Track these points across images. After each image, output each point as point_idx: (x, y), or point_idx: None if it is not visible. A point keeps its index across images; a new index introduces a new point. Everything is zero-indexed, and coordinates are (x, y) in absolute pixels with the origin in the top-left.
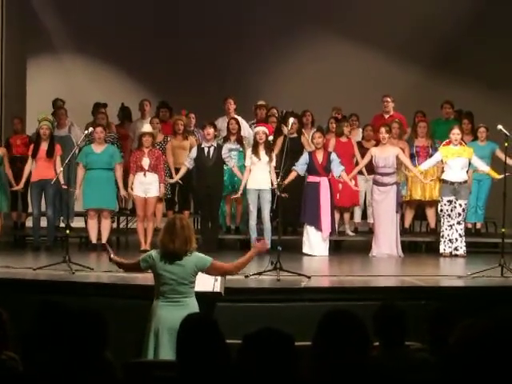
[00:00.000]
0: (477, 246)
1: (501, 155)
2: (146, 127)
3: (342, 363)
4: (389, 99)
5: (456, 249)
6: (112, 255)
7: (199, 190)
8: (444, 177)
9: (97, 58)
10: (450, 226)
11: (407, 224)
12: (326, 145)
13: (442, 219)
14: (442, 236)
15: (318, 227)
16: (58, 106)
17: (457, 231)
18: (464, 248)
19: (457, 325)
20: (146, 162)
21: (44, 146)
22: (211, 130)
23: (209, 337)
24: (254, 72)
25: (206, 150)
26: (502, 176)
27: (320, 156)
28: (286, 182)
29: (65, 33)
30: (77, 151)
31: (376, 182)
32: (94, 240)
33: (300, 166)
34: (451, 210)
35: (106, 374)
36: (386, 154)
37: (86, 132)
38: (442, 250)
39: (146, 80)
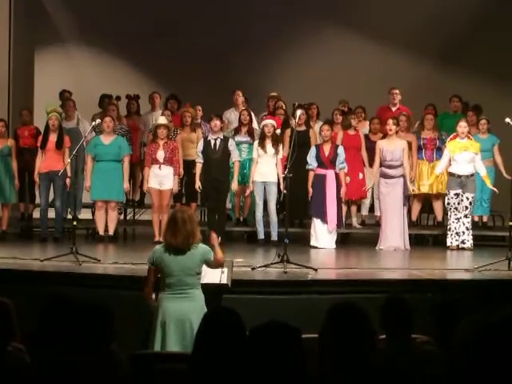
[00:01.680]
0: (484, 239)
1: (496, 152)
2: (162, 119)
3: (348, 356)
4: (397, 91)
5: (463, 242)
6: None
7: (206, 183)
8: (451, 170)
9: (104, 50)
10: (457, 219)
11: (414, 217)
12: (333, 138)
13: (449, 212)
14: (449, 229)
15: (324, 219)
16: (66, 98)
17: (464, 224)
18: (471, 241)
19: (463, 318)
20: (160, 154)
21: (53, 138)
22: (218, 122)
23: (233, 331)
24: (260, 65)
25: (212, 142)
26: (494, 188)
27: (327, 149)
28: (309, 184)
29: (73, 25)
30: (84, 143)
31: (383, 175)
32: (101, 231)
33: (312, 163)
34: (458, 204)
35: (112, 366)
36: (393, 147)
37: (94, 123)
38: (448, 243)
39: (154, 72)
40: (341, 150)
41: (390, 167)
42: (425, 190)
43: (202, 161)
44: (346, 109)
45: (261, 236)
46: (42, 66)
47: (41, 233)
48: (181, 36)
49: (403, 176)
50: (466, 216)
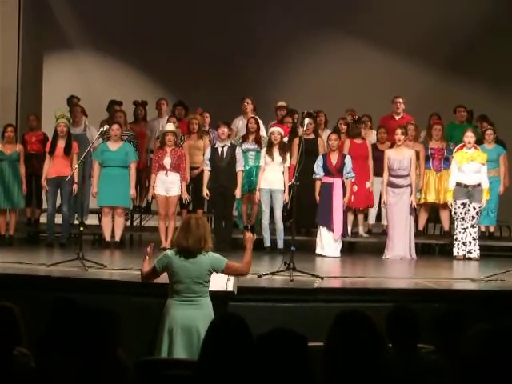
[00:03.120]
0: (491, 249)
1: (502, 162)
2: (169, 126)
3: (354, 363)
4: (401, 100)
5: (470, 252)
6: (148, 256)
7: (213, 190)
8: (458, 179)
9: (112, 55)
10: (464, 229)
11: (421, 226)
12: (340, 147)
13: (456, 222)
14: (456, 239)
15: (330, 228)
16: (74, 104)
17: (470, 234)
18: (478, 251)
19: (468, 328)
20: (167, 161)
21: (61, 144)
22: (225, 130)
23: (240, 338)
24: (268, 73)
25: (219, 149)
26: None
27: (334, 158)
28: (316, 192)
29: (81, 31)
30: (92, 149)
31: (390, 184)
32: (107, 237)
33: (319, 173)
34: (465, 213)
35: (118, 372)
36: (401, 156)
37: (102, 129)
38: (455, 253)
39: (162, 78)
40: (348, 160)
41: (397, 176)
42: (431, 199)
43: (209, 168)
44: (356, 117)
45: (267, 244)
46: (50, 72)
47: (47, 238)
48: (189, 43)
49: (410, 185)
50: (472, 226)
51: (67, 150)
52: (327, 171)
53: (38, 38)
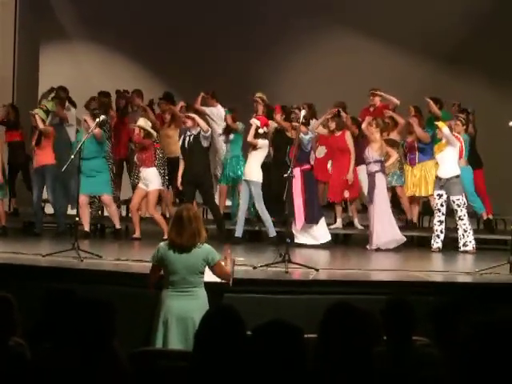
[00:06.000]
0: (486, 242)
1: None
2: (141, 120)
3: (346, 356)
4: (374, 92)
5: (465, 244)
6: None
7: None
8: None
9: (109, 45)
10: (440, 221)
11: (415, 219)
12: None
13: (434, 214)
14: (435, 230)
15: (294, 220)
16: (58, 97)
17: (461, 227)
18: (473, 243)
19: (463, 321)
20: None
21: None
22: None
23: (233, 328)
24: (263, 67)
25: (186, 139)
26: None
27: (294, 149)
28: None
29: (77, 20)
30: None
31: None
32: (86, 227)
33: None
34: (441, 205)
35: (113, 362)
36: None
37: (98, 120)
38: (432, 246)
39: (158, 68)
40: (304, 140)
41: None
42: (409, 193)
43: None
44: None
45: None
46: (46, 62)
47: (36, 228)
48: (185, 34)
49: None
50: (460, 218)
51: (38, 141)
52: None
53: (35, 28)
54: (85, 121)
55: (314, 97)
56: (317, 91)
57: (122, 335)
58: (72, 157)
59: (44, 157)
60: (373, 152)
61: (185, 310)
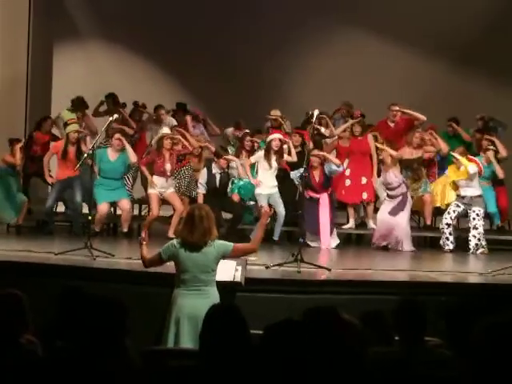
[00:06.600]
0: (500, 243)
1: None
2: (165, 129)
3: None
4: (397, 108)
5: (477, 249)
6: (145, 242)
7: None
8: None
9: (123, 45)
10: (447, 224)
11: (428, 220)
12: (337, 145)
13: (444, 215)
14: (443, 232)
15: (318, 239)
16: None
17: (474, 237)
18: (485, 245)
19: (476, 322)
20: (168, 167)
21: (72, 150)
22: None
23: (234, 327)
24: (275, 67)
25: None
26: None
27: (317, 174)
28: None
29: (91, 19)
30: (99, 140)
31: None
32: (97, 229)
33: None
34: (453, 211)
35: (125, 361)
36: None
37: (111, 118)
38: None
39: (172, 67)
40: (327, 167)
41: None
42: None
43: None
44: (359, 115)
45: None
46: (60, 61)
47: (49, 226)
48: (202, 31)
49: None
50: (475, 227)
51: (78, 156)
52: (311, 187)
53: (49, 27)
54: (119, 139)
55: (326, 96)
56: (328, 91)
57: (134, 334)
58: (85, 155)
59: (70, 170)
60: (399, 175)
61: (196, 309)
